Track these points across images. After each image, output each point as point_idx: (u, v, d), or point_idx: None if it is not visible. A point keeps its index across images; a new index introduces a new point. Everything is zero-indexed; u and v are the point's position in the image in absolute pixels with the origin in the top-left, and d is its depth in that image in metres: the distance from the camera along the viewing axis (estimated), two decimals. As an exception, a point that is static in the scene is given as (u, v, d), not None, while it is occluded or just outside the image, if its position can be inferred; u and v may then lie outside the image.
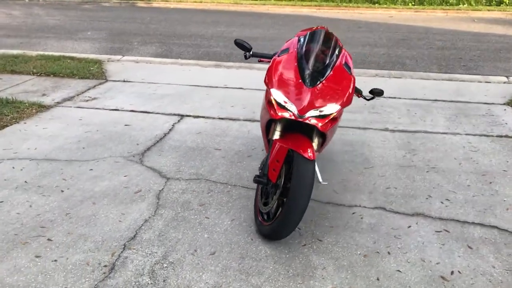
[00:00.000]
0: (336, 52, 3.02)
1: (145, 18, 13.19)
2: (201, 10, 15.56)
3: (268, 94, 2.92)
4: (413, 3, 15.41)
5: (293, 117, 2.75)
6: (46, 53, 8.15)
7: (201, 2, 16.52)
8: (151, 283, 2.59)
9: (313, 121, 2.76)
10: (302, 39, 3.07)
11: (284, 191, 2.85)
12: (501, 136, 4.68)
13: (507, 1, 15.16)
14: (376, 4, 15.39)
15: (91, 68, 7.18)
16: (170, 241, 2.96)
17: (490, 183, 3.74)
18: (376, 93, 3.15)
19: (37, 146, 4.36)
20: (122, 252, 2.84)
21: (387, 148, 4.40)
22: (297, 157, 2.72)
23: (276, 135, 2.91)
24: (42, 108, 5.43)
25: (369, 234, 3.06)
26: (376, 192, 3.59)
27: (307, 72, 2.83)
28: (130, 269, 2.69)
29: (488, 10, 14.17)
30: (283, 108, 2.78)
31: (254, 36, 10.42)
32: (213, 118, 5.18)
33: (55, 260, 2.75)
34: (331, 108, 2.76)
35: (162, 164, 4.03)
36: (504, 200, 3.48)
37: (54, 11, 14.59)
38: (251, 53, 3.29)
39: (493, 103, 5.72)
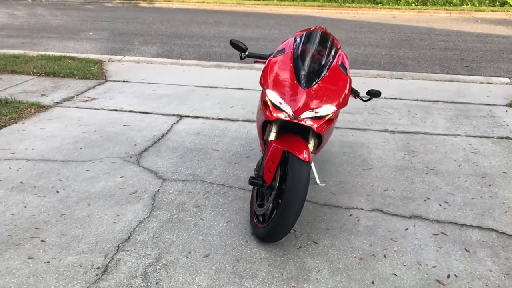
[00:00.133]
0: (332, 52, 2.98)
1: (147, 18, 13.19)
2: (204, 10, 15.55)
3: (263, 95, 2.89)
4: (416, 4, 15.35)
5: (288, 118, 2.72)
6: (47, 53, 8.16)
7: (203, 2, 16.51)
8: (143, 286, 2.56)
9: (308, 122, 2.73)
10: (298, 40, 3.04)
11: (279, 193, 2.82)
12: (502, 138, 4.64)
13: (511, 2, 15.07)
14: (379, 5, 15.33)
15: (92, 68, 7.17)
16: (164, 243, 2.93)
17: (490, 185, 3.70)
18: (373, 94, 3.11)
19: (35, 147, 4.35)
20: (115, 254, 2.82)
21: (386, 150, 4.36)
22: (292, 158, 2.69)
23: (272, 136, 2.88)
24: (41, 108, 5.42)
25: (365, 236, 3.03)
26: (374, 194, 3.55)
27: (303, 73, 2.80)
28: (123, 271, 2.67)
29: (492, 11, 14.09)
30: (279, 109, 2.75)
31: (255, 36, 10.40)
32: (212, 118, 5.15)
33: (48, 262, 2.73)
34: (326, 109, 2.73)
35: (159, 165, 4.01)
36: (503, 203, 3.44)
37: (56, 11, 14.61)
38: (246, 53, 3.26)
39: (494, 104, 5.68)
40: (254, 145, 4.43)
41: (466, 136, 4.69)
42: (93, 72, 7.00)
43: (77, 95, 5.97)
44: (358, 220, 3.21)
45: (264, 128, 3.12)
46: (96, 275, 2.63)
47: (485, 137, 4.67)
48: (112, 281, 2.58)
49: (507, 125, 4.98)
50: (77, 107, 5.50)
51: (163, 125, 4.93)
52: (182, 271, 2.68)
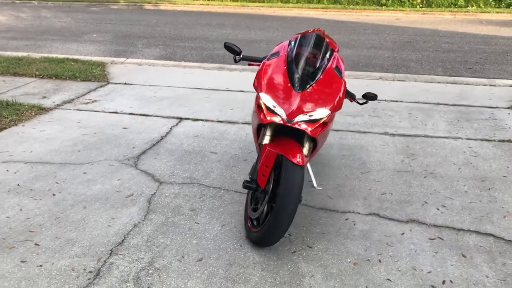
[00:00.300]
0: (327, 55, 2.96)
1: (151, 21, 13.22)
2: (208, 12, 15.57)
3: (257, 98, 2.87)
4: (420, 6, 15.28)
5: (282, 122, 2.70)
6: (50, 55, 8.18)
7: (207, 4, 16.54)
8: (135, 290, 2.55)
9: (303, 126, 2.71)
10: (292, 43, 3.02)
11: (273, 197, 2.80)
12: (503, 141, 4.59)
13: (517, 3, 14.99)
14: (383, 7, 15.28)
15: (94, 71, 7.19)
16: (157, 246, 2.92)
17: (489, 189, 3.66)
18: (369, 97, 3.09)
19: (33, 149, 4.35)
20: (108, 257, 2.81)
21: (385, 153, 4.33)
22: (286, 162, 2.67)
23: (266, 140, 2.85)
24: (41, 110, 5.43)
25: (361, 241, 3.00)
26: (371, 198, 3.52)
27: (297, 76, 2.78)
28: (115, 275, 2.65)
29: (497, 12, 14.01)
30: (273, 112, 2.73)
31: (258, 38, 10.39)
32: (212, 121, 5.14)
33: (41, 266, 2.73)
34: (320, 113, 2.71)
35: (157, 168, 4.00)
36: (502, 207, 3.40)
37: (61, 14, 14.67)
38: (241, 56, 3.24)
39: (497, 107, 5.63)
40: (252, 147, 4.41)
41: (467, 139, 4.65)
42: (95, 74, 7.01)
43: (78, 97, 5.98)
44: (354, 224, 3.18)
45: (259, 131, 3.10)
46: (88, 279, 2.62)
47: (486, 140, 4.63)
48: (104, 285, 2.57)
49: (509, 128, 4.93)
50: (77, 110, 5.51)
51: (163, 128, 4.93)
52: (175, 275, 2.66)
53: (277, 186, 2.79)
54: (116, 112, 5.40)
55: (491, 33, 11.12)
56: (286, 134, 2.90)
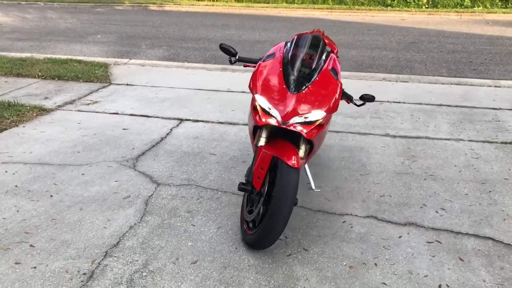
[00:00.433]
0: (323, 57, 2.94)
1: (156, 22, 13.23)
2: (213, 13, 15.57)
3: (253, 99, 2.85)
4: (426, 6, 15.20)
5: (277, 124, 2.68)
6: (54, 56, 8.21)
7: (212, 5, 16.54)
8: (128, 292, 2.54)
9: (298, 128, 2.69)
10: (288, 44, 3.00)
11: (269, 199, 2.78)
12: (505, 143, 4.54)
13: (523, 4, 14.87)
14: (389, 7, 15.22)
15: (96, 72, 7.20)
16: (152, 249, 2.91)
17: (490, 192, 3.62)
18: (367, 99, 3.05)
19: (33, 150, 4.36)
20: (103, 259, 2.80)
21: (385, 155, 4.29)
22: (281, 164, 2.65)
23: (261, 142, 2.83)
24: (42, 111, 5.44)
25: (357, 244, 2.97)
26: (370, 200, 3.49)
27: (292, 77, 2.76)
28: (108, 278, 2.64)
29: (504, 13, 13.90)
30: (268, 114, 2.71)
31: (262, 39, 10.37)
32: (212, 122, 5.13)
33: (35, 267, 2.72)
34: (316, 115, 2.69)
35: (155, 169, 3.99)
36: (503, 210, 3.35)
37: (67, 15, 14.73)
38: (236, 57, 3.23)
39: (500, 108, 5.57)
40: (252, 149, 4.39)
41: (469, 140, 4.61)
42: (97, 75, 7.02)
43: (80, 98, 5.99)
44: (351, 227, 3.15)
45: (255, 133, 3.08)
46: (82, 281, 2.61)
47: (488, 142, 4.58)
48: (97, 288, 2.56)
49: (512, 129, 4.88)
50: (78, 110, 5.52)
51: (163, 129, 4.92)
52: (168, 277, 2.65)
53: (272, 188, 2.77)
54: (117, 113, 5.40)
55: (497, 34, 11.03)
56: (283, 136, 2.87)
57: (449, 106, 5.68)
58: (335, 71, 2.91)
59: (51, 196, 3.54)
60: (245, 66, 3.38)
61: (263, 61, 2.96)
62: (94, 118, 5.24)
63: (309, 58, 2.91)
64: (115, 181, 3.77)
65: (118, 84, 6.63)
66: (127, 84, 6.61)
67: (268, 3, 16.75)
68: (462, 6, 15.02)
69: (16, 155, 4.24)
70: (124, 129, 4.91)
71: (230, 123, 5.08)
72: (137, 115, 5.34)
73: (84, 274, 2.67)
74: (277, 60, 2.88)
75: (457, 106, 5.68)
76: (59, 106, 5.67)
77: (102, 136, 4.72)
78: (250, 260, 2.80)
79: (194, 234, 3.06)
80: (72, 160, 4.16)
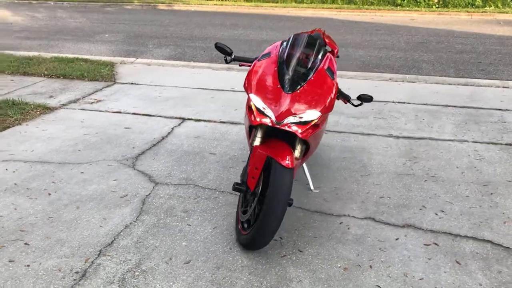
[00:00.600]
0: (319, 56, 2.90)
1: (164, 21, 13.26)
2: (222, 12, 15.57)
3: (248, 99, 2.83)
4: (437, 6, 15.06)
5: (270, 124, 2.65)
6: (61, 55, 8.25)
7: (221, 5, 16.54)
8: (120, 292, 2.53)
9: (293, 128, 2.66)
10: (284, 43, 2.98)
11: (263, 199, 2.75)
12: (510, 144, 4.47)
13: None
14: (398, 7, 15.10)
15: (102, 71, 7.22)
16: (146, 248, 2.90)
17: (491, 194, 3.56)
18: (364, 99, 3.01)
19: (34, 148, 4.37)
20: (96, 258, 2.79)
21: (387, 155, 4.25)
22: (275, 164, 2.63)
23: (256, 142, 2.81)
24: (46, 110, 5.46)
25: (353, 245, 2.93)
26: (368, 202, 3.45)
27: (287, 77, 2.73)
28: (101, 277, 2.64)
29: (516, 13, 13.73)
30: (263, 114, 2.69)
31: (270, 39, 10.33)
32: (214, 121, 5.11)
33: (28, 265, 2.72)
34: (311, 115, 2.66)
35: (154, 169, 3.98)
36: (503, 213, 3.30)
37: (76, 14, 14.82)
38: (232, 57, 3.20)
39: (507, 109, 5.49)
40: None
41: (473, 142, 4.54)
42: (103, 74, 7.04)
43: (84, 97, 6.01)
44: (348, 229, 3.12)
45: (251, 133, 3.05)
46: (74, 279, 2.61)
47: (493, 143, 4.51)
48: (89, 287, 2.55)
49: (518, 131, 4.80)
50: (82, 109, 5.53)
51: (164, 128, 4.91)
52: (161, 277, 2.63)
53: (266, 188, 2.74)
54: (120, 112, 5.41)
55: (507, 34, 10.89)
56: (279, 136, 2.85)
57: (454, 106, 5.61)
58: (331, 70, 2.87)
59: (49, 194, 3.54)
60: (240, 65, 3.35)
61: (259, 60, 2.93)
62: (97, 117, 5.26)
63: (305, 57, 2.88)
64: (114, 180, 3.77)
65: (123, 83, 6.64)
66: (132, 83, 6.62)
67: (277, 2, 16.71)
68: (473, 6, 14.85)
69: (17, 153, 4.26)
70: (126, 128, 4.92)
71: (232, 123, 5.06)
72: (139, 114, 5.34)
73: (77, 272, 2.67)
74: (272, 59, 2.86)
75: (463, 107, 5.60)
76: (63, 104, 5.69)
77: (104, 135, 4.73)
78: (243, 261, 2.78)
79: (189, 234, 3.05)
80: (73, 159, 4.17)
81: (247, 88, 2.81)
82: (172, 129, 4.89)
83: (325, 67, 2.86)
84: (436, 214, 3.28)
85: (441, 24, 12.55)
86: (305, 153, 2.93)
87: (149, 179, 3.79)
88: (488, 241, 2.97)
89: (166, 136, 4.71)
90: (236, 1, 17.09)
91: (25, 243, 2.93)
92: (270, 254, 2.84)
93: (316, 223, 3.18)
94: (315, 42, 3.01)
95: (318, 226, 3.14)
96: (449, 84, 6.65)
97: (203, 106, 5.63)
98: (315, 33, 3.75)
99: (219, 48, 3.16)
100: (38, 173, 3.88)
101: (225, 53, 3.16)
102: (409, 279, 2.63)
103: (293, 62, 2.81)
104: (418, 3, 15.36)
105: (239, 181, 3.01)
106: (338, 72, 7.09)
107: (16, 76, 6.95)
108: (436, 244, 2.94)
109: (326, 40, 3.74)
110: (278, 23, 12.92)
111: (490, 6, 14.79)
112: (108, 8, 16.61)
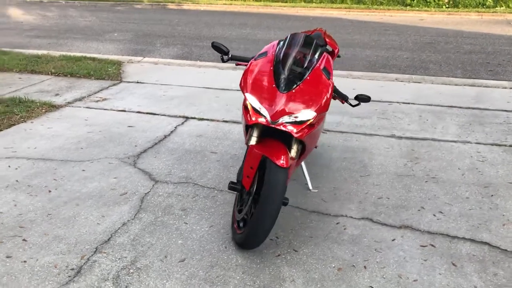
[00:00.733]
0: (316, 56, 2.90)
1: (173, 20, 13.30)
2: (231, 12, 15.58)
3: (244, 98, 2.83)
4: (447, 6, 14.94)
5: (266, 123, 2.65)
6: (69, 53, 8.31)
7: (231, 4, 16.55)
8: (113, 289, 2.55)
9: (289, 128, 2.66)
10: (281, 43, 2.98)
11: (258, 198, 2.76)
12: (514, 146, 4.43)
13: (548, 4, 14.48)
14: (408, 7, 15.00)
15: (109, 69, 7.26)
16: (142, 246, 2.91)
17: (492, 196, 3.53)
18: (362, 99, 3.01)
19: (38, 146, 4.42)
20: (92, 255, 2.82)
21: (388, 156, 4.23)
22: (270, 164, 2.63)
23: (252, 141, 2.81)
24: (52, 107, 5.51)
25: (349, 246, 2.92)
26: (366, 202, 3.44)
27: (282, 76, 2.73)
28: (95, 273, 2.66)
29: (527, 13, 13.56)
30: (258, 113, 2.69)
31: (277, 38, 10.29)
32: (217, 120, 5.13)
33: (25, 261, 2.75)
34: (306, 115, 2.65)
35: (154, 167, 4.00)
36: (503, 215, 3.27)
37: (87, 13, 14.92)
38: (229, 56, 3.21)
39: (513, 111, 5.44)
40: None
41: (476, 143, 4.50)
42: (109, 73, 7.09)
43: (90, 95, 6.05)
44: (345, 229, 3.11)
45: (248, 132, 3.05)
46: (69, 276, 2.64)
47: (496, 144, 4.47)
48: (83, 283, 2.58)
49: (523, 132, 4.75)
50: (87, 107, 5.57)
51: (167, 127, 4.93)
52: (154, 275, 2.65)
53: (261, 187, 2.74)
54: (124, 111, 5.44)
55: (518, 34, 10.77)
56: (276, 135, 2.85)
57: (460, 107, 5.56)
58: (327, 70, 2.87)
59: (50, 191, 3.58)
60: (237, 64, 3.36)
61: (255, 59, 2.94)
62: (101, 115, 5.29)
63: (301, 57, 2.87)
64: (114, 178, 3.80)
65: (129, 82, 6.68)
66: (137, 82, 6.65)
67: (286, 2, 16.68)
68: (484, 6, 14.71)
69: (20, 150, 4.30)
70: (129, 126, 4.95)
71: (235, 122, 5.07)
72: (144, 113, 5.37)
73: (72, 269, 2.69)
74: (268, 58, 2.86)
75: (468, 107, 5.56)
76: (68, 102, 5.74)
77: (107, 133, 4.76)
78: (238, 260, 2.79)
79: (186, 232, 3.06)
80: (75, 156, 4.20)
81: (243, 87, 2.82)
82: (175, 127, 4.91)
83: (321, 66, 2.86)
84: (435, 216, 3.26)
85: (451, 24, 12.45)
86: (301, 152, 2.93)
87: (149, 177, 3.81)
88: (485, 243, 2.95)
89: (169, 134, 4.73)
90: (245, 1, 17.10)
91: (23, 239, 2.97)
92: (265, 253, 2.84)
93: (313, 223, 3.18)
94: (312, 41, 3.00)
95: (315, 226, 3.14)
96: (456, 84, 6.60)
97: (207, 105, 5.65)
98: (315, 33, 3.75)
99: (216, 47, 3.17)
100: (40, 170, 3.92)
101: (222, 52, 3.17)
102: (403, 280, 2.62)
103: (289, 61, 2.81)
104: (428, 3, 15.25)
105: (235, 180, 3.01)
106: (344, 72, 7.13)
107: (24, 74, 7.02)
108: (432, 245, 2.92)
109: (327, 40, 3.73)
110: (286, 23, 12.90)
111: (501, 6, 14.64)
112: (118, 7, 16.71)
